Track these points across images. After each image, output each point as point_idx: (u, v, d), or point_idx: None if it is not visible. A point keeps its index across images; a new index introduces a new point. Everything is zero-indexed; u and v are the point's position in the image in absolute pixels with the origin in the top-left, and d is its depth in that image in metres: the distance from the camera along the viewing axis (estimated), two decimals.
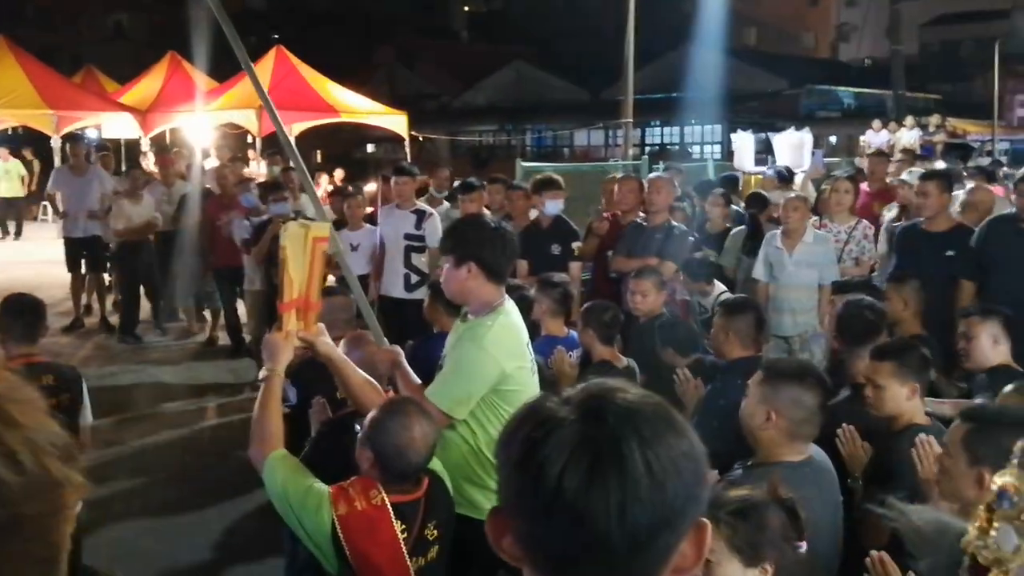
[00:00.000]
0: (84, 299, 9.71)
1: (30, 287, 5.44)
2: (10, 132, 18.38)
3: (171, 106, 14.35)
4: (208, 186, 9.16)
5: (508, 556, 0.99)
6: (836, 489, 2.76)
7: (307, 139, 16.83)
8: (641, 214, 6.22)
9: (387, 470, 2.48)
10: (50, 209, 13.31)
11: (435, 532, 2.56)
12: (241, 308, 8.28)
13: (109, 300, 9.89)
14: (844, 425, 3.12)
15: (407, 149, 14.77)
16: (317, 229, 2.81)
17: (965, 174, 9.42)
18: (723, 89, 23.49)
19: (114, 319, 9.61)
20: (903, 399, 3.07)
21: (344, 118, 14.43)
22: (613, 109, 17.16)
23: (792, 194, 6.19)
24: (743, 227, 6.88)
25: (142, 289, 9.08)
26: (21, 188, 16.97)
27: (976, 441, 2.21)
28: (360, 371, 2.88)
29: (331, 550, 2.40)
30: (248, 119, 13.05)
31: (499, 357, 2.85)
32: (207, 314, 9.16)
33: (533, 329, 3.88)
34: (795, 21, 42.55)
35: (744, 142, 15.40)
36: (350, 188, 9.52)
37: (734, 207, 7.57)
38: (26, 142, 18.23)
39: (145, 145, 14.13)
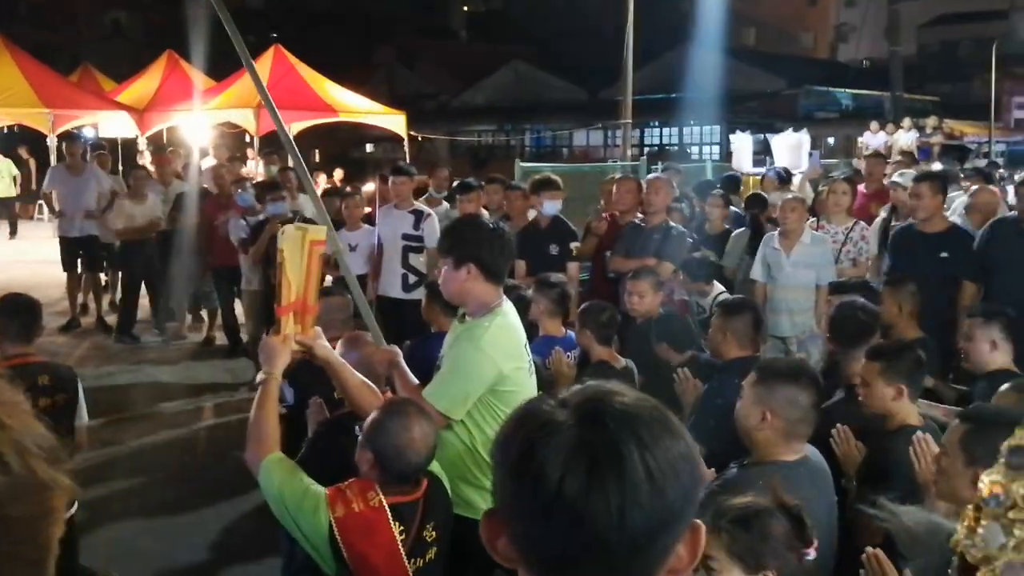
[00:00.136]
0: (80, 299, 9.70)
1: (26, 287, 5.44)
2: (5, 131, 18.36)
3: (168, 105, 14.33)
4: (205, 186, 9.15)
5: (502, 558, 0.99)
6: (831, 489, 2.77)
7: (305, 139, 16.82)
8: (639, 215, 6.22)
9: (387, 471, 2.48)
10: (46, 208, 13.30)
11: (433, 533, 2.56)
12: (238, 308, 8.27)
13: (105, 300, 9.90)
14: (838, 425, 3.13)
15: (406, 149, 14.77)
16: (314, 232, 2.81)
17: (962, 176, 9.45)
18: (722, 89, 23.49)
19: (111, 319, 9.61)
20: (888, 399, 3.08)
21: (342, 118, 14.43)
22: (612, 109, 17.17)
23: (790, 195, 6.18)
24: (745, 228, 6.87)
25: (143, 288, 9.08)
26: (12, 188, 16.97)
27: (973, 442, 2.22)
28: (357, 373, 2.88)
29: (329, 552, 2.40)
30: (246, 118, 13.04)
31: (496, 358, 2.85)
32: (204, 314, 9.15)
33: (531, 329, 3.88)
34: (794, 21, 42.57)
35: (742, 143, 15.43)
36: (348, 188, 9.53)
37: (733, 208, 7.57)
38: (22, 141, 18.20)
39: (142, 144, 14.12)
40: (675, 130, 29.44)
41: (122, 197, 9.07)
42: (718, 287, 5.72)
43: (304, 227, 2.86)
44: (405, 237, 6.58)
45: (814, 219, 6.35)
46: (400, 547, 2.44)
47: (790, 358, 4.94)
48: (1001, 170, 13.36)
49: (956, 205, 7.61)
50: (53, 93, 12.96)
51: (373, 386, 2.90)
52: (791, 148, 14.47)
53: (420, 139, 19.33)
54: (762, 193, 8.37)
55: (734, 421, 2.77)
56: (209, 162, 11.38)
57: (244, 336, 8.18)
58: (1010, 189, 7.30)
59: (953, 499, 2.26)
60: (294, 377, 3.42)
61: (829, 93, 30.35)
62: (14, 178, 17.20)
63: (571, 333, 4.49)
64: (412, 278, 6.54)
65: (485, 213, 6.79)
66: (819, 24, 43.80)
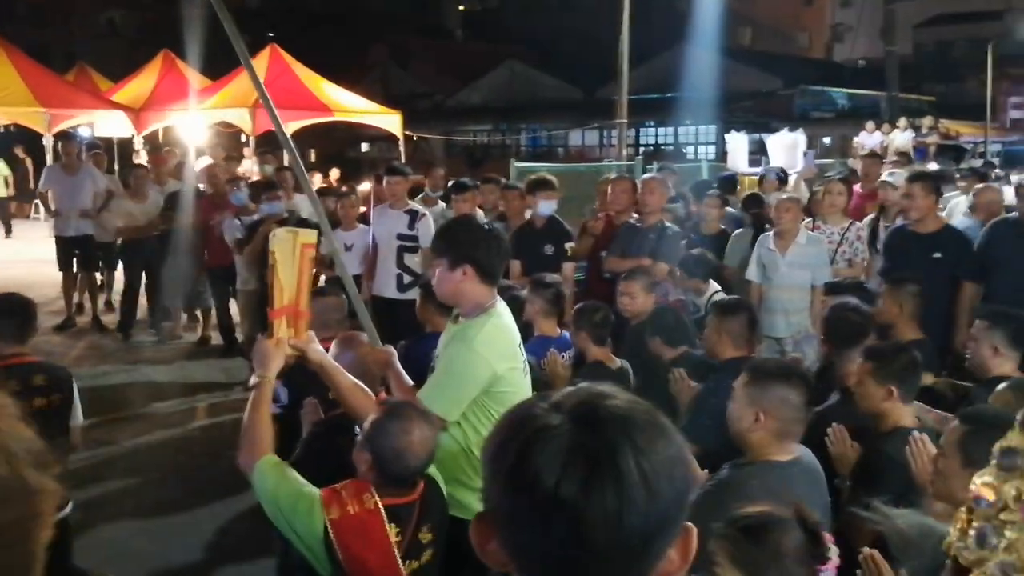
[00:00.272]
0: (76, 298, 9.68)
1: (21, 286, 5.43)
2: (1, 130, 18.31)
3: (164, 104, 14.30)
4: (200, 185, 9.14)
5: (493, 561, 0.99)
6: (824, 489, 2.77)
7: (301, 138, 16.78)
8: (635, 215, 6.22)
9: (384, 473, 2.47)
10: (42, 208, 13.27)
11: (429, 535, 2.56)
12: (233, 307, 8.27)
13: (101, 299, 9.88)
14: (834, 424, 3.14)
15: (401, 148, 14.76)
16: (305, 236, 2.81)
17: (958, 176, 9.47)
18: (718, 89, 23.51)
19: (106, 318, 9.61)
20: (879, 400, 3.09)
21: (338, 117, 14.41)
22: (608, 109, 17.15)
23: (784, 195, 6.19)
24: (746, 228, 6.86)
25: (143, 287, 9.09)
26: (4, 188, 16.93)
27: (971, 443, 2.23)
28: (351, 376, 2.88)
29: (323, 554, 2.40)
30: (242, 118, 13.03)
31: (490, 359, 2.84)
32: (198, 314, 9.14)
33: (526, 330, 3.89)
34: (790, 21, 42.63)
35: (738, 143, 15.45)
36: (343, 188, 9.52)
37: (729, 209, 7.56)
38: (18, 140, 18.17)
39: (138, 143, 14.09)
40: (671, 130, 29.47)
41: (122, 196, 9.07)
42: (714, 286, 5.72)
43: (295, 230, 2.86)
44: (400, 237, 6.58)
45: (810, 219, 6.35)
46: (395, 549, 2.43)
47: (779, 358, 4.96)
48: (997, 170, 13.39)
49: (952, 205, 7.64)
50: (49, 92, 12.92)
51: (367, 389, 2.90)
52: (787, 148, 14.50)
53: (416, 139, 19.32)
54: (760, 194, 8.37)
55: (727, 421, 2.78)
56: (205, 161, 11.37)
57: (239, 336, 8.18)
58: (1007, 189, 7.31)
59: (950, 500, 2.27)
60: (289, 377, 3.42)
61: (825, 93, 30.39)
62: (5, 178, 17.17)
63: (566, 333, 4.49)
64: (407, 278, 6.54)
65: (480, 213, 6.79)
66: (815, 24, 43.86)
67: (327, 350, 3.04)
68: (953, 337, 5.22)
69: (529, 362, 3.16)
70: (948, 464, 2.30)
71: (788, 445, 2.69)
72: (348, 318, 4.35)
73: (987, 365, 3.61)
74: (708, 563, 1.96)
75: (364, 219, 7.27)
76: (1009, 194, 6.94)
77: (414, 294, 5.58)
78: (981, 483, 1.50)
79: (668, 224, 6.13)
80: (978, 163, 15.05)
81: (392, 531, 2.43)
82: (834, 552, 1.95)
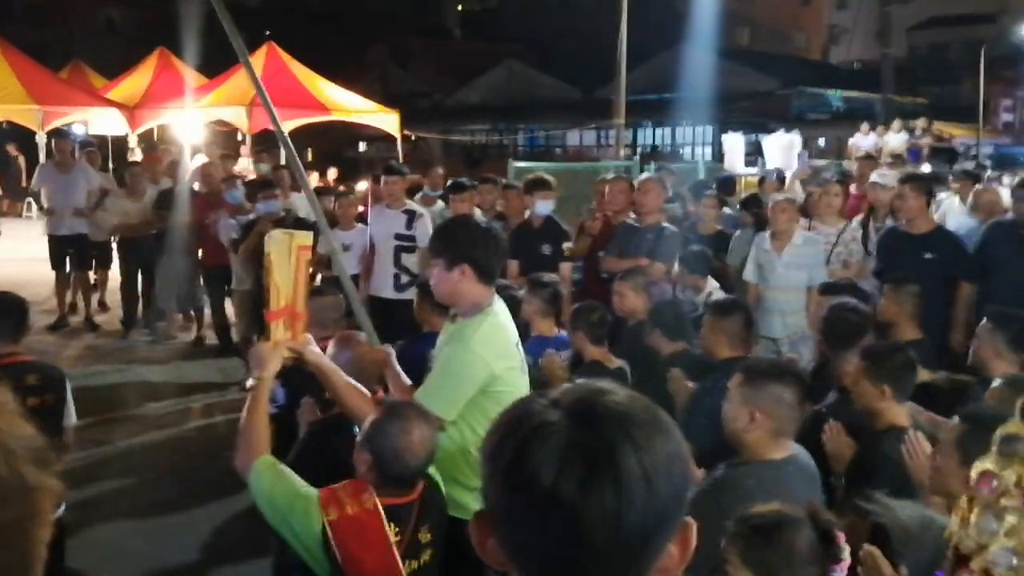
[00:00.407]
0: (69, 297, 9.66)
1: (14, 285, 5.41)
2: None
3: (160, 102, 14.26)
4: (195, 184, 9.11)
5: (492, 560, 0.99)
6: (818, 487, 2.78)
7: (298, 137, 16.69)
8: (632, 215, 6.22)
9: (384, 474, 2.47)
10: (35, 206, 13.23)
11: (428, 535, 2.56)
12: (229, 307, 8.25)
13: (94, 298, 9.86)
14: (830, 421, 3.15)
15: (399, 148, 14.74)
16: (301, 238, 2.82)
17: (951, 178, 9.48)
18: (715, 89, 23.53)
19: (99, 318, 9.58)
20: (874, 399, 3.10)
21: (336, 116, 14.39)
22: (605, 109, 17.18)
23: (780, 196, 6.19)
24: (748, 228, 6.84)
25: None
26: None
27: (969, 442, 2.24)
28: (348, 378, 2.87)
29: (322, 554, 2.39)
30: (238, 116, 13.00)
31: (487, 358, 2.83)
32: (192, 314, 9.13)
33: (523, 330, 3.88)
34: (788, 22, 42.70)
35: (734, 143, 15.47)
36: (341, 188, 9.51)
37: (726, 210, 7.56)
38: (11, 137, 18.09)
39: (132, 141, 14.06)
40: (667, 130, 29.49)
41: (117, 194, 9.06)
42: (712, 283, 5.72)
43: (291, 232, 2.87)
44: (397, 237, 6.57)
45: (807, 220, 6.35)
46: (394, 549, 2.43)
47: (772, 357, 4.97)
48: (989, 172, 13.42)
49: (945, 207, 7.65)
50: (43, 90, 12.88)
51: (364, 390, 2.89)
52: (783, 149, 14.52)
53: (414, 138, 19.31)
54: (760, 194, 8.37)
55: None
56: (201, 160, 11.35)
57: (235, 336, 8.16)
58: (1003, 191, 7.32)
59: (947, 496, 2.29)
60: (286, 378, 3.41)
61: (821, 94, 30.45)
62: None
63: (563, 333, 4.49)
64: (404, 278, 6.53)
65: (478, 213, 6.79)
66: (812, 25, 43.94)
67: (325, 349, 3.03)
68: (949, 337, 5.24)
69: (526, 362, 3.15)
70: (946, 461, 2.32)
71: (783, 444, 2.70)
72: (345, 317, 4.35)
73: (988, 366, 3.61)
74: (719, 563, 1.96)
75: (362, 219, 7.26)
76: (1005, 196, 6.95)
77: (411, 294, 5.58)
78: (981, 469, 1.50)
79: (666, 225, 6.13)
80: (971, 165, 15.08)
81: (391, 531, 2.43)
82: (846, 552, 1.95)
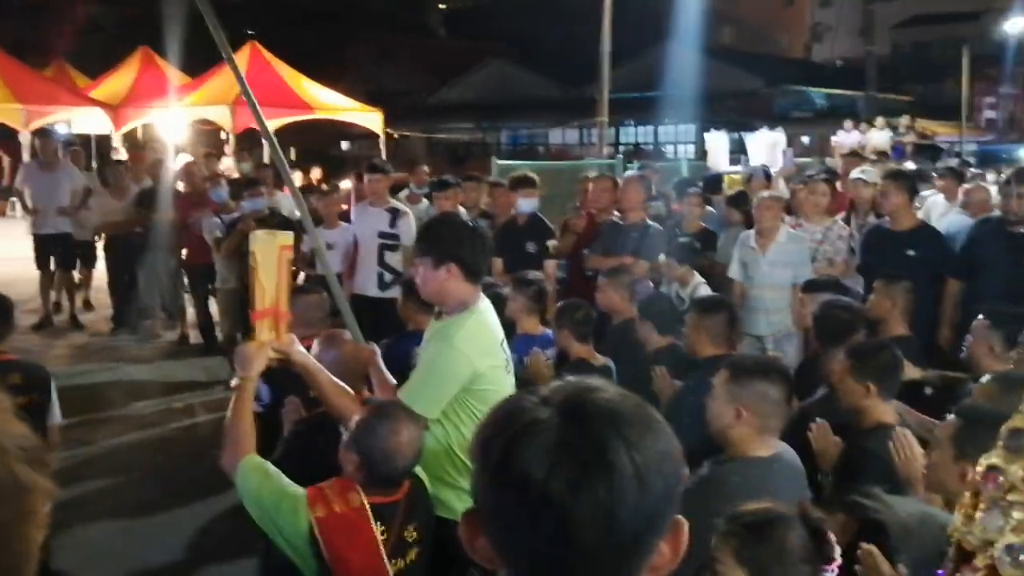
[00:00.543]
0: (53, 296, 9.59)
1: None
2: None
3: (143, 101, 14.16)
4: (179, 183, 9.06)
5: (482, 558, 0.98)
6: (804, 485, 2.79)
7: (281, 136, 16.58)
8: (616, 213, 6.24)
9: (373, 474, 2.47)
10: (19, 205, 13.10)
11: (415, 534, 2.56)
12: (212, 306, 8.21)
13: (79, 298, 9.80)
14: (817, 419, 3.16)
15: (382, 146, 14.71)
16: (283, 238, 2.81)
17: (935, 175, 9.55)
18: (698, 88, 23.60)
19: (84, 317, 9.52)
20: (859, 396, 3.11)
21: (319, 115, 14.34)
22: (588, 107, 17.19)
23: (765, 194, 6.20)
24: (736, 227, 6.85)
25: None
26: None
27: (965, 437, 2.26)
28: (334, 378, 2.87)
29: (309, 553, 2.39)
30: (222, 115, 12.93)
31: (471, 355, 2.83)
32: (175, 312, 9.08)
33: (509, 328, 3.89)
34: (771, 20, 42.85)
35: (718, 142, 15.50)
36: (324, 187, 9.48)
37: (710, 208, 7.56)
38: None
39: (116, 140, 13.96)
40: (650, 128, 29.55)
41: (102, 193, 9.00)
42: (698, 277, 5.74)
43: (274, 232, 2.86)
44: (381, 235, 6.55)
45: (792, 218, 6.37)
46: (381, 548, 2.43)
47: (757, 354, 4.99)
48: (972, 169, 13.53)
49: (929, 204, 7.70)
50: (26, 88, 12.78)
51: (350, 390, 2.89)
52: (767, 147, 14.55)
53: (397, 137, 19.26)
54: (747, 192, 8.38)
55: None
56: (185, 159, 11.29)
57: (219, 334, 8.13)
58: (991, 189, 7.38)
59: (941, 491, 2.31)
60: (270, 377, 3.41)
61: (804, 92, 30.60)
62: None
63: (548, 331, 4.50)
64: (388, 276, 6.51)
65: (463, 211, 6.79)
66: (795, 24, 44.13)
67: (309, 348, 3.03)
68: (934, 334, 5.27)
69: (512, 359, 3.16)
70: (941, 457, 2.33)
71: (768, 441, 2.71)
72: (330, 316, 4.34)
73: (982, 363, 3.62)
74: (709, 561, 1.96)
75: (345, 217, 7.24)
76: (992, 193, 7.00)
77: (395, 292, 5.58)
78: (987, 465, 1.51)
79: (650, 223, 6.16)
80: (954, 162, 15.18)
81: (378, 530, 2.43)
82: (838, 552, 1.95)
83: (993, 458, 1.51)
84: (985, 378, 3.03)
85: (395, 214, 6.59)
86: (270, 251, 2.73)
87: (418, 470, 2.71)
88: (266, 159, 13.70)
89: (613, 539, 0.91)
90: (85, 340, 8.91)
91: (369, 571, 2.41)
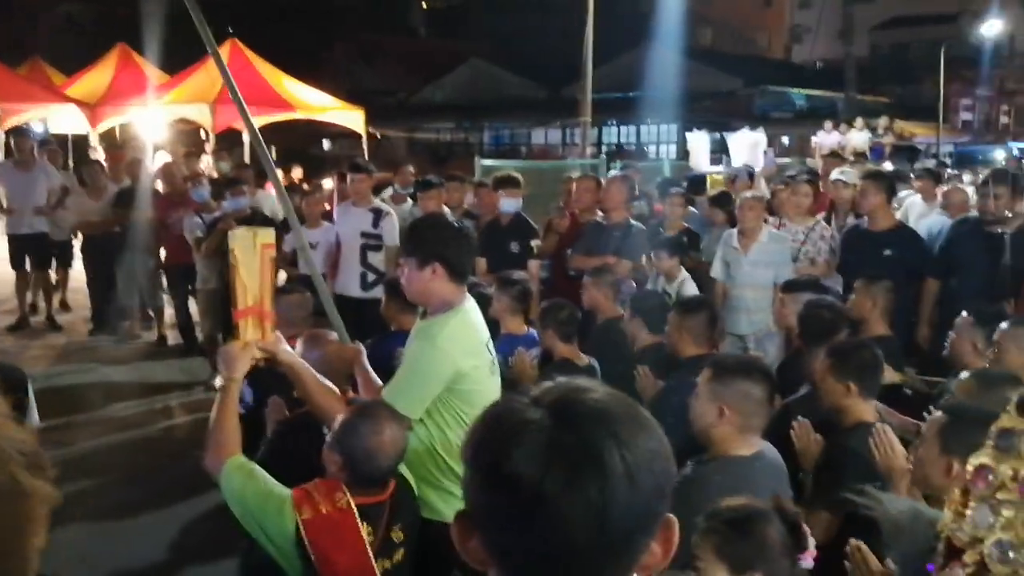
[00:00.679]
0: (30, 297, 9.49)
1: None
2: None
3: (121, 100, 14.02)
4: (158, 183, 8.98)
5: (474, 559, 0.98)
6: (786, 483, 2.81)
7: (262, 135, 16.49)
8: (600, 213, 6.26)
9: (356, 473, 2.46)
10: None
11: (401, 534, 2.55)
12: (192, 306, 8.16)
13: (56, 298, 9.69)
14: (799, 418, 3.17)
15: (364, 146, 14.66)
16: (264, 235, 2.78)
17: (913, 176, 9.64)
18: (679, 89, 23.71)
19: (61, 318, 9.43)
20: (841, 395, 3.13)
21: (300, 114, 14.26)
22: (570, 107, 17.21)
23: (748, 194, 6.24)
24: (721, 227, 6.88)
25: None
26: None
27: (950, 433, 2.29)
28: (320, 377, 2.86)
29: (295, 554, 2.38)
30: (202, 114, 12.82)
31: (454, 355, 2.81)
32: (150, 313, 9.01)
33: (494, 328, 3.88)
34: (750, 22, 43.11)
35: (699, 142, 15.59)
36: (305, 186, 9.44)
37: (692, 208, 7.60)
38: None
39: (93, 139, 13.82)
40: (632, 128, 29.66)
41: (79, 192, 8.92)
42: (684, 273, 5.76)
43: (254, 229, 2.83)
44: (364, 235, 6.52)
45: (775, 218, 6.41)
46: (368, 548, 2.42)
47: (740, 353, 5.02)
48: (949, 170, 13.68)
49: (907, 204, 7.78)
50: (1, 86, 12.62)
51: (335, 389, 2.88)
52: (749, 147, 14.66)
53: (379, 136, 19.21)
54: (731, 192, 8.43)
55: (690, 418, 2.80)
56: (165, 158, 11.21)
57: (199, 335, 8.07)
58: (969, 190, 7.46)
59: (925, 485, 2.34)
60: (253, 377, 3.39)
61: (784, 93, 30.81)
62: None
63: (533, 331, 4.50)
64: (371, 276, 6.49)
65: (447, 211, 6.78)
66: (774, 25, 44.43)
67: (292, 348, 3.01)
68: (912, 333, 5.32)
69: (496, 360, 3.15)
70: (927, 451, 2.36)
71: (750, 440, 2.72)
72: (312, 316, 4.32)
73: (965, 360, 3.64)
74: (690, 559, 1.98)
75: (328, 216, 7.21)
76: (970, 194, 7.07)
77: (378, 292, 5.55)
78: (977, 464, 1.53)
79: (634, 223, 6.18)
80: (931, 163, 15.34)
81: (364, 530, 2.42)
82: (812, 542, 1.99)
83: (983, 457, 1.54)
84: (964, 375, 3.06)
85: (378, 214, 6.57)
86: (250, 249, 2.70)
87: (404, 471, 2.70)
88: (247, 158, 13.63)
89: (605, 538, 0.91)
90: (62, 341, 8.82)
91: (356, 572, 2.40)
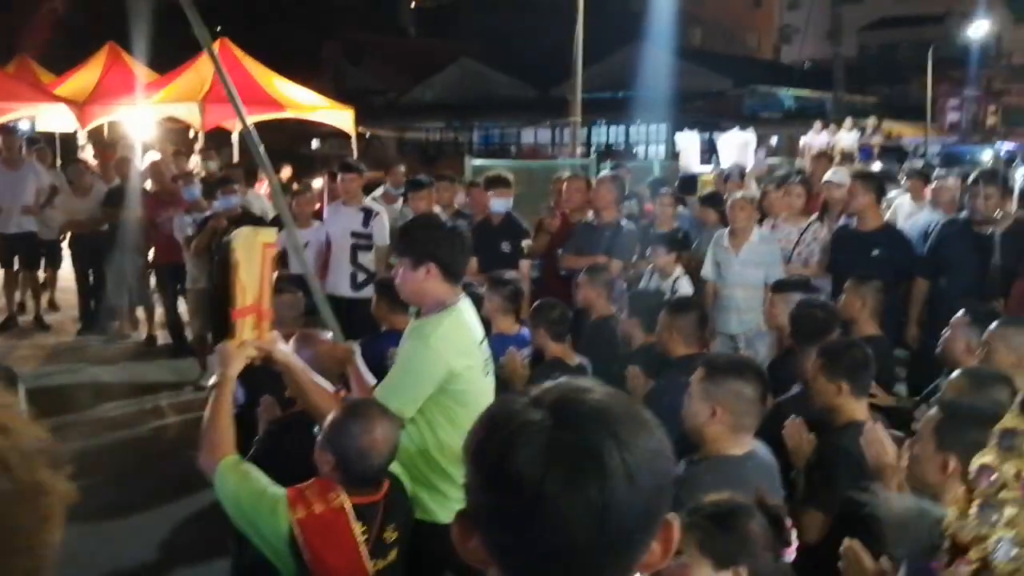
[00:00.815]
0: (18, 297, 9.43)
1: None
2: None
3: (110, 98, 13.95)
4: (147, 182, 8.94)
5: (473, 559, 0.99)
6: (778, 483, 2.82)
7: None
8: (591, 212, 6.27)
9: (349, 472, 2.45)
10: None
11: (394, 534, 2.54)
12: (181, 306, 8.13)
13: (44, 298, 9.64)
14: (791, 417, 3.19)
15: (353, 145, 14.63)
16: (265, 234, 2.78)
17: (902, 176, 9.70)
18: (669, 88, 23.77)
19: (49, 317, 9.38)
20: (832, 395, 3.15)
21: (290, 113, 14.21)
22: (560, 107, 17.23)
23: (739, 195, 6.26)
24: (712, 227, 6.90)
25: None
26: None
27: (945, 429, 2.30)
28: (316, 376, 2.85)
29: (288, 553, 2.37)
30: (191, 113, 12.77)
31: (447, 355, 2.81)
32: (139, 313, 8.97)
33: (487, 328, 3.88)
34: (739, 22, 43.25)
35: (689, 142, 15.63)
36: (295, 186, 9.41)
37: (681, 208, 7.61)
38: None
39: (82, 138, 13.75)
40: (622, 128, 29.70)
41: (67, 192, 8.87)
42: (679, 270, 5.78)
43: (256, 229, 2.83)
44: (354, 235, 6.51)
45: (768, 219, 6.43)
46: (362, 548, 2.42)
47: (733, 353, 5.03)
48: (937, 170, 13.74)
49: (896, 205, 7.82)
50: None
51: (330, 389, 2.88)
52: (738, 147, 14.70)
53: (368, 136, 19.17)
54: (722, 193, 8.45)
55: (681, 418, 2.81)
56: (154, 157, 11.15)
57: (189, 335, 8.04)
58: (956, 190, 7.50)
59: (921, 482, 2.35)
60: (245, 377, 3.38)
61: (773, 93, 30.91)
62: None
63: (524, 331, 4.51)
64: (361, 276, 6.48)
65: (439, 211, 6.78)
66: (764, 25, 44.60)
67: None
68: (902, 333, 5.35)
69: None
70: (923, 448, 2.38)
71: (742, 438, 2.73)
72: (304, 315, 4.32)
73: (958, 359, 3.65)
74: (675, 555, 1.98)
75: (318, 216, 7.19)
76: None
77: (368, 292, 5.54)
78: (981, 463, 1.55)
79: (624, 223, 6.19)
80: (919, 163, 15.42)
81: (358, 530, 2.42)
82: (795, 535, 2.01)
83: (986, 457, 1.56)
84: (955, 374, 3.08)
85: (368, 214, 6.56)
86: (253, 248, 2.70)
87: (399, 471, 2.70)
88: (235, 158, 13.58)
89: (605, 538, 0.92)
90: (51, 341, 8.77)
91: (349, 572, 2.40)
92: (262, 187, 9.99)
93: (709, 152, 17.57)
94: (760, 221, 6.16)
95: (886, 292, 4.69)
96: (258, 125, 15.18)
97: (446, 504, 2.81)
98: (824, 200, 6.90)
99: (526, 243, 6.36)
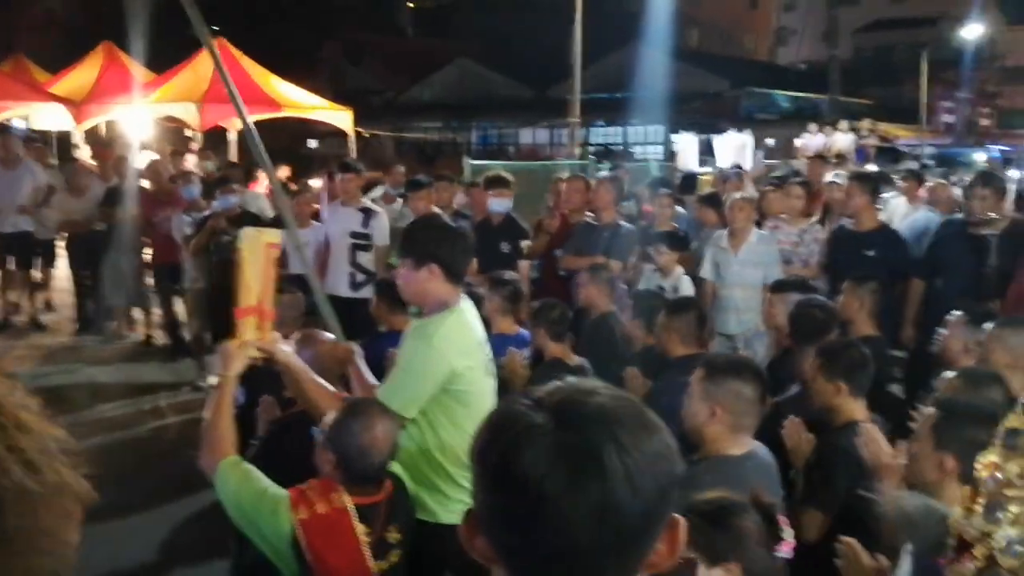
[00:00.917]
0: (13, 297, 9.41)
1: None
2: None
3: (106, 98, 13.92)
4: (144, 182, 8.93)
5: (480, 556, 1.00)
6: (777, 483, 2.82)
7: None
8: (589, 213, 6.29)
9: (350, 472, 2.45)
10: None
11: (397, 535, 2.55)
12: (179, 306, 8.12)
13: (40, 298, 9.62)
14: (790, 416, 3.20)
15: (351, 145, 14.63)
16: (269, 235, 2.79)
17: (898, 178, 9.73)
18: (666, 90, 23.78)
19: (45, 318, 9.36)
20: (831, 395, 3.16)
21: (288, 113, 14.20)
22: (558, 108, 17.24)
23: (738, 195, 6.28)
24: (711, 227, 6.91)
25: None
26: None
27: (943, 428, 2.32)
28: (317, 377, 2.86)
29: (290, 554, 2.37)
30: (188, 112, 12.75)
31: (448, 355, 2.81)
32: (134, 314, 8.96)
33: (486, 328, 3.89)
34: (736, 23, 43.32)
35: (687, 143, 15.65)
36: (293, 187, 9.42)
37: (680, 208, 7.63)
38: None
39: (78, 138, 13.72)
40: (619, 129, 29.71)
41: (63, 191, 8.86)
42: (680, 269, 5.79)
43: (262, 229, 2.84)
44: (353, 235, 6.50)
45: (768, 220, 6.45)
46: (364, 549, 2.42)
47: (732, 353, 5.05)
48: (931, 172, 13.79)
49: (892, 206, 7.85)
50: None
51: (332, 389, 2.88)
52: (736, 149, 14.73)
53: (366, 136, 19.16)
54: (720, 193, 8.46)
55: (680, 418, 2.82)
56: (150, 156, 11.14)
57: (186, 335, 8.03)
58: (956, 191, 7.55)
59: (918, 480, 2.37)
60: (244, 377, 3.38)
61: (769, 95, 30.96)
62: None
63: (524, 331, 4.51)
64: (360, 276, 6.47)
65: (439, 211, 6.79)
66: (760, 27, 44.65)
67: None
68: (897, 333, 5.37)
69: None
70: (921, 446, 2.39)
71: (742, 438, 2.74)
72: (304, 315, 4.32)
73: (955, 358, 3.68)
74: None
75: (316, 216, 7.20)
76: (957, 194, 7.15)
77: (367, 292, 5.55)
78: (986, 462, 1.58)
79: (623, 223, 6.21)
80: (914, 165, 15.46)
81: (361, 530, 2.42)
82: (789, 533, 2.01)
83: (991, 456, 1.58)
84: (950, 374, 3.10)
85: (367, 214, 6.56)
86: (257, 248, 2.71)
87: (400, 471, 2.71)
88: (232, 157, 13.56)
89: (607, 539, 0.93)
90: (47, 341, 8.76)
91: (351, 572, 2.40)
92: (258, 185, 9.99)
93: (706, 153, 17.58)
94: (759, 222, 6.18)
95: (881, 292, 4.72)
96: (256, 125, 15.20)
97: (447, 504, 2.81)
98: (826, 202, 6.93)
99: (525, 244, 6.37)
